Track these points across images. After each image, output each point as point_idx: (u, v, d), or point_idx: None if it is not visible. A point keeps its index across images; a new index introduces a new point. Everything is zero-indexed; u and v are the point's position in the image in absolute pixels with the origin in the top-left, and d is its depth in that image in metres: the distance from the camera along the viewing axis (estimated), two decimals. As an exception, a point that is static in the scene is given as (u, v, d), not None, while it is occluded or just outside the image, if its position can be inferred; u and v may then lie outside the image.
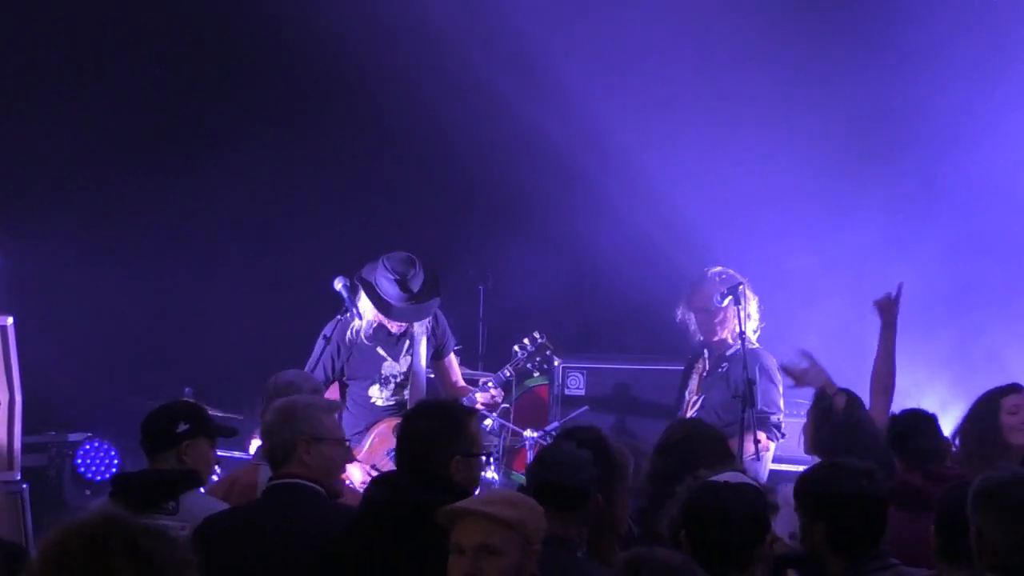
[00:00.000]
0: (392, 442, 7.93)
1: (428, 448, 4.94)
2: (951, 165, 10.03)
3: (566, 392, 9.82)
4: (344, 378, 8.22)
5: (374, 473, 7.71)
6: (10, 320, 8.65)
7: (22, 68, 10.68)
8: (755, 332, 8.65)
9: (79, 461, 10.25)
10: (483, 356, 10.47)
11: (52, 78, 10.70)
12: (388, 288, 8.04)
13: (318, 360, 8.08)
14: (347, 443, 5.61)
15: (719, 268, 8.76)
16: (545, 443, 8.64)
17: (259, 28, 10.82)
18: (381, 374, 8.15)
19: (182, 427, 5.81)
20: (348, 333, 8.14)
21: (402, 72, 10.96)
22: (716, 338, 8.65)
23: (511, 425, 8.89)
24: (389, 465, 7.77)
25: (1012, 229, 10.01)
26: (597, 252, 11.05)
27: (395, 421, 7.99)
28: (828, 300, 9.82)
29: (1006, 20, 10.06)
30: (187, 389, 9.20)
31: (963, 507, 4.55)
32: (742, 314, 8.35)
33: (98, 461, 10.25)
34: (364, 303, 8.09)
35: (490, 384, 8.31)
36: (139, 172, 10.85)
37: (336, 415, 5.62)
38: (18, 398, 8.34)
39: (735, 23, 10.33)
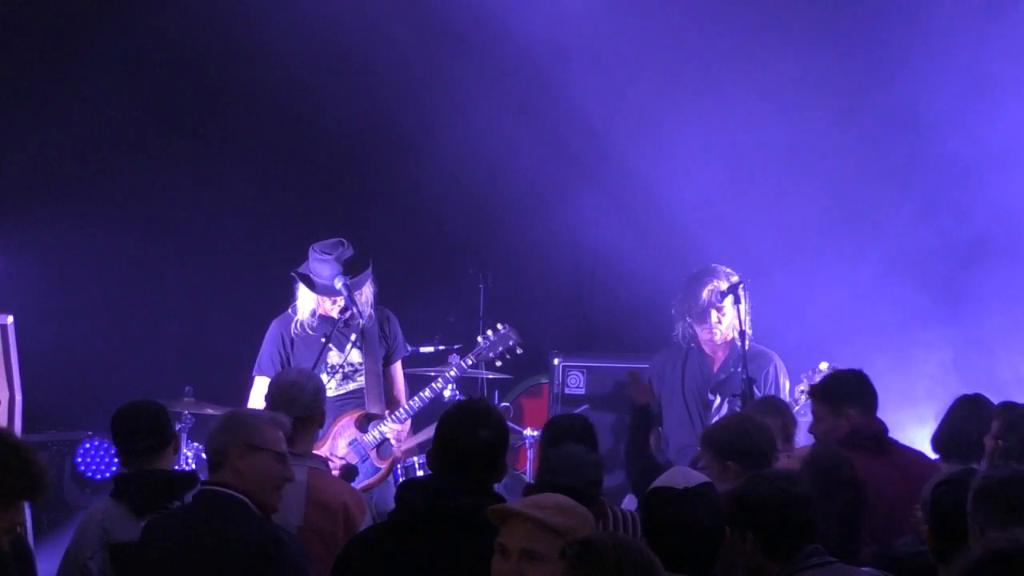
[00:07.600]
0: (355, 433, 7.95)
1: (492, 456, 4.84)
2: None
3: (566, 391, 9.81)
4: None
5: (334, 460, 7.74)
6: (10, 319, 8.65)
7: (19, 67, 10.67)
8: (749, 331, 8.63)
9: (79, 460, 10.24)
10: (482, 355, 10.46)
11: (49, 78, 10.70)
12: (318, 267, 8.12)
13: (268, 355, 8.14)
14: (285, 458, 5.33)
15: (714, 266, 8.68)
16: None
17: (256, 22, 10.80)
18: (327, 363, 8.11)
19: (171, 424, 5.93)
20: (293, 326, 8.18)
21: (403, 68, 10.95)
22: (722, 339, 8.56)
23: (511, 424, 8.88)
24: (352, 456, 7.83)
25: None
26: (597, 251, 11.04)
27: (357, 413, 8.05)
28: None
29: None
30: (187, 388, 9.19)
31: (956, 507, 4.55)
32: (743, 312, 8.34)
33: (98, 460, 10.24)
34: (302, 294, 8.17)
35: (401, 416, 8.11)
36: (139, 171, 10.86)
37: (280, 432, 5.37)
38: (18, 397, 8.34)
39: (735, 18, 10.34)
